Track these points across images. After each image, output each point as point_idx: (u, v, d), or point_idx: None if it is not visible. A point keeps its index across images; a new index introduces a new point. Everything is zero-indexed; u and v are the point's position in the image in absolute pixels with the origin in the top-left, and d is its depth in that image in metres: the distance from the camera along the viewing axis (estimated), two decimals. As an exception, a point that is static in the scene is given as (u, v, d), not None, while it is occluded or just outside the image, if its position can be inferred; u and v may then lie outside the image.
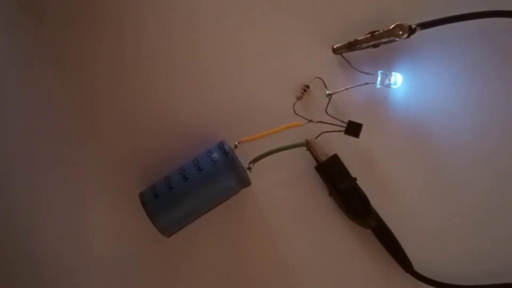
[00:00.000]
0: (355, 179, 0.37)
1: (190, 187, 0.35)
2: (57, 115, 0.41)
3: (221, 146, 0.36)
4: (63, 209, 0.40)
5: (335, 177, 0.37)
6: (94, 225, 0.40)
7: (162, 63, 0.40)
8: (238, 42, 0.40)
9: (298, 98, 0.39)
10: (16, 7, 0.42)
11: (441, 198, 0.38)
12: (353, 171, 0.37)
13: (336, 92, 0.38)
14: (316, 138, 0.37)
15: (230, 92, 0.40)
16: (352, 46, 0.37)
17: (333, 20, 0.40)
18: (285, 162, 0.38)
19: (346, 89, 0.38)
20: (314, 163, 0.37)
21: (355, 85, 0.38)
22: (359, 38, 0.37)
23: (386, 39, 0.37)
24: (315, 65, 0.39)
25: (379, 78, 0.37)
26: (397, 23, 0.36)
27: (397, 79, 0.38)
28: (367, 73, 0.38)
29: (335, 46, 0.38)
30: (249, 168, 0.37)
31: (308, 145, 0.37)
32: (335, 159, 0.37)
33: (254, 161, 0.36)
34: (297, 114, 0.38)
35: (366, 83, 0.38)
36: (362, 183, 0.37)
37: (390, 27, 0.36)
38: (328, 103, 0.38)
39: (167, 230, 0.35)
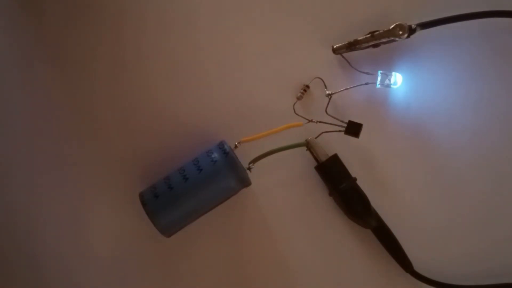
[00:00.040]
0: (355, 179, 0.37)
1: (190, 187, 0.35)
2: (57, 115, 0.41)
3: (221, 146, 0.36)
4: (63, 209, 0.40)
5: (335, 177, 0.37)
6: (94, 225, 0.40)
7: (162, 63, 0.40)
8: (238, 42, 0.40)
9: (298, 98, 0.39)
10: (16, 7, 0.42)
11: (441, 198, 0.38)
12: (353, 171, 0.37)
13: (336, 92, 0.38)
14: (316, 138, 0.37)
15: (230, 92, 0.40)
16: (352, 46, 0.37)
17: (333, 20, 0.40)
18: (285, 162, 0.38)
19: (346, 89, 0.38)
20: (314, 163, 0.37)
21: (355, 85, 0.38)
22: (359, 38, 0.37)
23: (386, 39, 0.37)
24: (315, 65, 0.39)
25: (379, 78, 0.37)
26: (397, 23, 0.36)
27: (397, 79, 0.38)
28: (367, 73, 0.38)
29: (335, 46, 0.38)
30: (249, 168, 0.37)
31: (308, 145, 0.37)
32: (335, 159, 0.37)
33: (254, 161, 0.36)
34: (297, 114, 0.38)
35: (366, 83, 0.38)
36: (362, 183, 0.37)
37: (390, 27, 0.36)
38: (328, 103, 0.38)
39: (167, 230, 0.35)
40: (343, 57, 0.38)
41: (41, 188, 0.41)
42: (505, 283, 0.36)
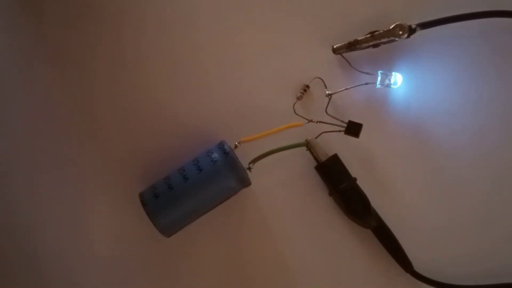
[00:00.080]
0: (355, 179, 0.37)
1: (190, 187, 0.35)
2: (57, 115, 0.41)
3: (221, 146, 0.36)
4: (63, 209, 0.40)
5: (335, 177, 0.37)
6: (94, 225, 0.40)
7: (162, 63, 0.40)
8: (238, 42, 0.40)
9: (298, 98, 0.39)
10: (16, 7, 0.42)
11: (441, 198, 0.38)
12: (353, 171, 0.37)
13: (336, 92, 0.38)
14: (316, 138, 0.37)
15: (230, 92, 0.40)
16: (352, 46, 0.37)
17: (333, 20, 0.40)
18: (285, 162, 0.38)
19: (346, 89, 0.38)
20: (314, 163, 0.37)
21: (355, 85, 0.38)
22: (359, 38, 0.37)
23: (386, 39, 0.37)
24: (315, 65, 0.39)
25: (379, 78, 0.37)
26: (397, 23, 0.36)
27: (397, 79, 0.38)
28: (367, 73, 0.38)
29: (335, 46, 0.38)
30: (249, 168, 0.37)
31: (308, 145, 0.37)
32: (335, 159, 0.37)
33: (254, 161, 0.36)
34: (297, 114, 0.38)
35: (366, 83, 0.38)
36: (362, 183, 0.37)
37: (390, 27, 0.36)
38: (328, 103, 0.38)
39: (167, 230, 0.35)
40: (343, 57, 0.38)
41: (41, 188, 0.41)
42: (505, 283, 0.36)
